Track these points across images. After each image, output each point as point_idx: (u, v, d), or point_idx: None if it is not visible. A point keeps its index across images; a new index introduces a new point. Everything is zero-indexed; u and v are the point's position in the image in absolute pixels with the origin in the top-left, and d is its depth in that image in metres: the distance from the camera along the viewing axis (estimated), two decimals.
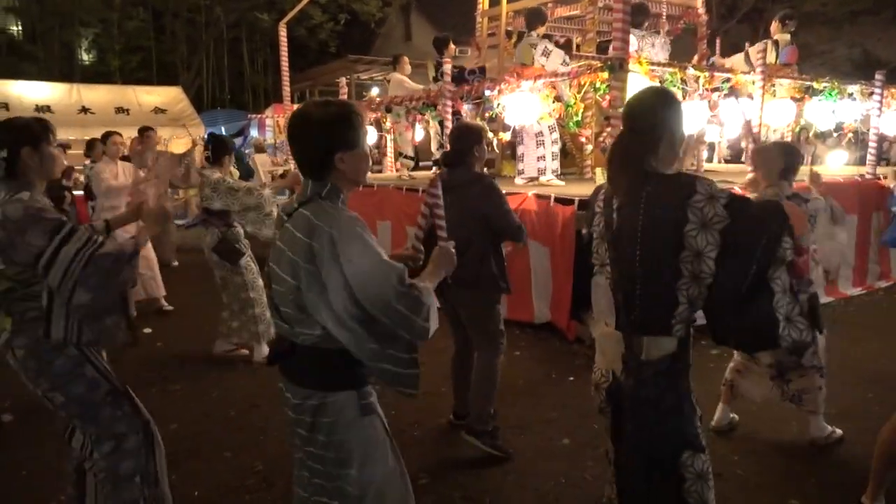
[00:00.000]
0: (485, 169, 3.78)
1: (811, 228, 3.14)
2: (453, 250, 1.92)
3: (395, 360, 1.72)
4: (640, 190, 1.88)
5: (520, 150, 6.33)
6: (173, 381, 4.36)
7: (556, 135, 6.15)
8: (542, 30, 6.38)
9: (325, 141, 1.71)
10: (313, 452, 1.82)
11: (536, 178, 6.18)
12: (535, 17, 6.46)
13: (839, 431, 3.34)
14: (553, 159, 6.16)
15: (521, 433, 3.53)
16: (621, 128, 2.06)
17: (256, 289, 4.60)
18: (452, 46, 7.38)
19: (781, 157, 3.17)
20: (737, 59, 7.27)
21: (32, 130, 2.25)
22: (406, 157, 7.76)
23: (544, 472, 3.11)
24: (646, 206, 1.85)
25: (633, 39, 6.04)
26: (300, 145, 1.76)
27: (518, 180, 6.30)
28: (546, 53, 6.15)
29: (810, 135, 8.36)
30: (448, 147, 3.50)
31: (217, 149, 4.61)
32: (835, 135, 8.74)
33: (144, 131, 7.00)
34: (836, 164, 8.40)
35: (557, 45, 6.68)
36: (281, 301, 1.76)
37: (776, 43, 7.18)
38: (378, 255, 1.67)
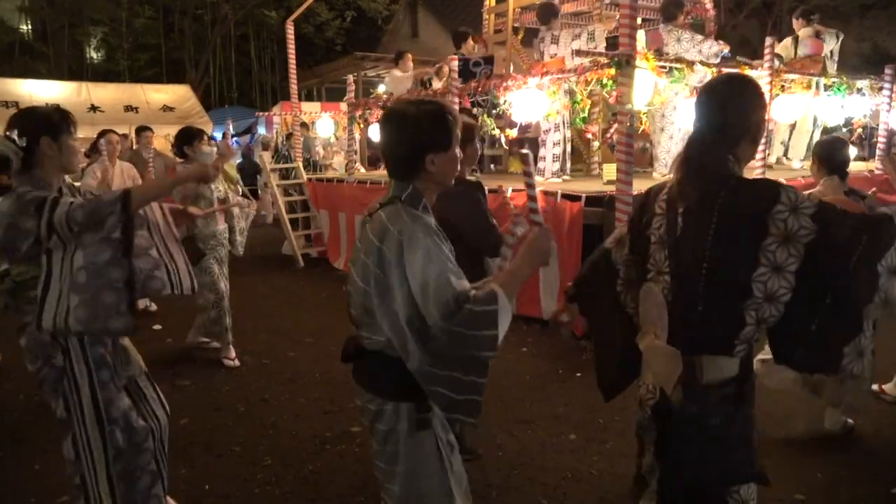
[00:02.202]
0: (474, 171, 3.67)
1: None
2: (551, 236, 1.72)
3: (452, 383, 1.57)
4: (714, 195, 1.67)
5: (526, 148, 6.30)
6: (183, 377, 4.40)
7: (558, 135, 6.03)
8: (554, 26, 6.28)
9: (417, 141, 1.66)
10: (375, 452, 1.81)
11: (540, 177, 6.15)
12: (546, 12, 6.34)
13: (851, 421, 3.33)
14: (554, 161, 6.09)
15: (527, 428, 3.54)
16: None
17: (217, 290, 4.56)
18: (471, 43, 7.34)
19: (833, 152, 3.13)
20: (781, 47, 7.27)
21: (52, 120, 2.19)
22: None
23: (551, 467, 3.13)
24: (720, 215, 1.64)
25: (661, 35, 6.03)
26: (390, 144, 1.70)
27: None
28: (555, 40, 6.10)
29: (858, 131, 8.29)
30: None
31: (178, 141, 4.53)
32: (844, 130, 8.68)
33: (142, 131, 6.95)
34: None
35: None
36: (352, 302, 1.74)
37: (796, 39, 7.18)
38: (440, 269, 1.55)
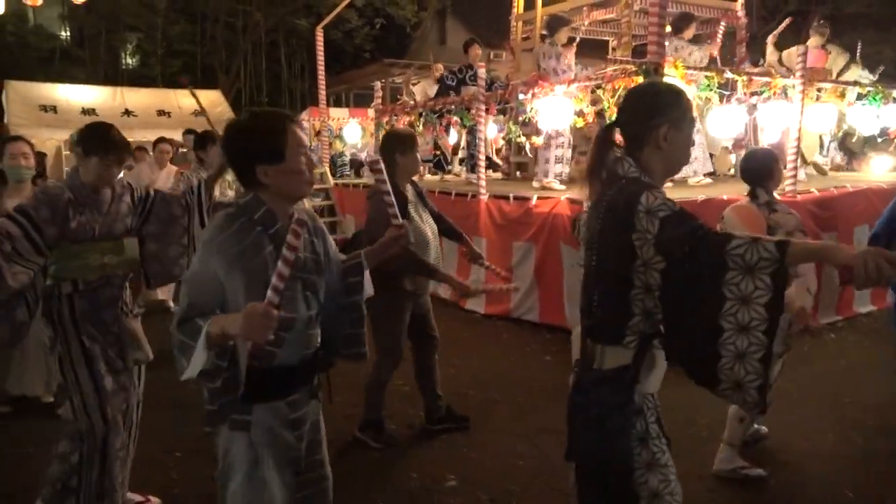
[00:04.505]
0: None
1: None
2: (403, 230, 1.91)
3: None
4: (605, 192, 1.76)
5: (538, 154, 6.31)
6: None
7: (562, 139, 6.06)
8: (563, 35, 6.28)
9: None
10: None
11: (540, 181, 6.16)
12: (555, 23, 6.37)
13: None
14: (556, 163, 6.08)
15: (549, 437, 3.51)
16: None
17: None
18: (477, 50, 7.42)
19: (760, 164, 3.11)
20: (785, 55, 7.18)
21: (85, 137, 2.50)
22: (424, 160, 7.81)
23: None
24: (605, 211, 1.73)
25: (673, 46, 6.01)
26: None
27: (534, 183, 6.30)
28: (549, 56, 6.16)
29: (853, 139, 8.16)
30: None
31: (195, 145, 4.82)
32: (879, 140, 8.50)
33: (158, 143, 7.13)
34: (880, 170, 8.18)
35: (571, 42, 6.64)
36: None
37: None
38: (191, 279, 1.70)
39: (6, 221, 2.30)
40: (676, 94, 1.80)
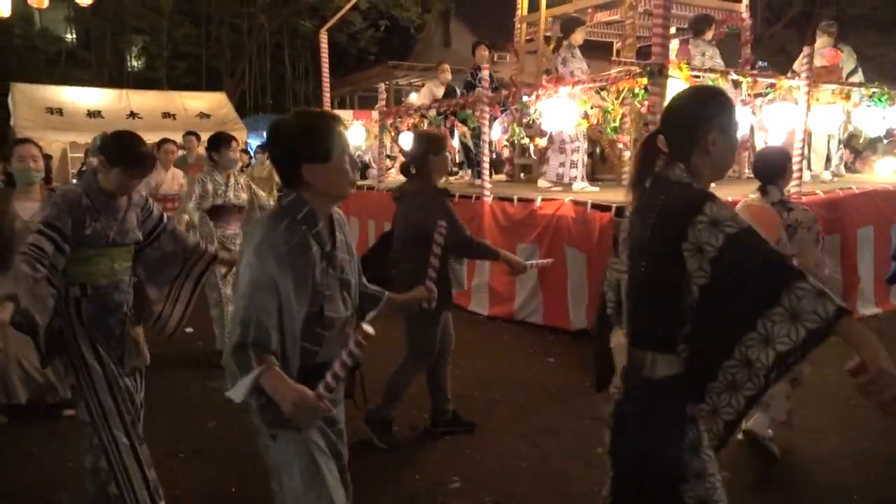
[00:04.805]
0: (448, 178, 3.77)
1: (788, 238, 3.03)
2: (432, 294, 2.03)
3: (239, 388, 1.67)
4: (657, 199, 1.72)
5: (547, 153, 6.33)
6: (212, 379, 4.45)
7: (577, 143, 6.07)
8: (578, 36, 6.29)
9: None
10: None
11: (558, 183, 6.15)
12: (571, 24, 6.36)
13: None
14: (572, 167, 6.10)
15: (552, 439, 3.51)
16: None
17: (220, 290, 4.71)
18: (484, 52, 7.44)
19: (774, 161, 3.11)
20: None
21: (110, 146, 2.50)
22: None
23: (576, 480, 3.09)
24: (657, 217, 1.69)
25: (689, 49, 6.01)
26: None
27: (541, 182, 6.29)
28: (564, 62, 6.15)
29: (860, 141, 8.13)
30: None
31: (208, 146, 4.76)
32: (885, 141, 8.47)
33: (163, 143, 7.13)
34: (886, 172, 8.15)
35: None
36: None
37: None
38: (251, 292, 1.66)
39: (40, 238, 2.27)
40: (723, 98, 1.80)
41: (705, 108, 1.75)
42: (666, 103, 1.85)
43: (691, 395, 1.69)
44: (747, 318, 1.52)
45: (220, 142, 4.68)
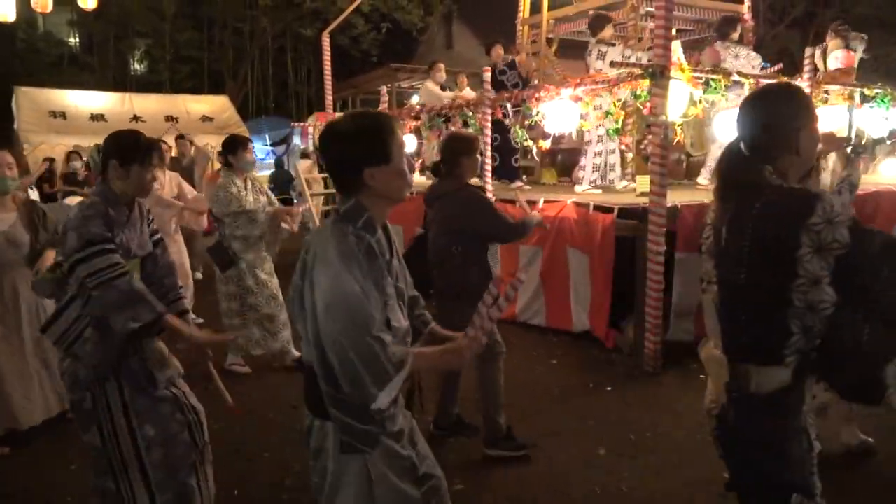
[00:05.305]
0: (477, 179, 3.74)
1: None
2: (472, 350, 1.71)
3: (349, 409, 1.58)
4: (749, 206, 1.66)
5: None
6: (216, 380, 4.45)
7: (600, 146, 5.95)
8: (606, 33, 6.11)
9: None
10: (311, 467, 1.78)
11: (595, 185, 6.04)
12: (597, 22, 6.18)
13: (870, 440, 3.28)
14: (594, 171, 6.00)
15: (555, 441, 3.51)
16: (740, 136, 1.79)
17: (247, 301, 4.55)
18: (500, 50, 7.33)
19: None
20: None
21: (124, 146, 2.33)
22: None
23: (579, 481, 3.09)
24: (755, 225, 1.64)
25: (718, 51, 5.98)
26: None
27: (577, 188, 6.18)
28: (601, 56, 5.98)
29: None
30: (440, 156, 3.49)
31: (223, 149, 4.63)
32: (888, 142, 8.44)
33: (179, 139, 7.14)
34: (890, 173, 8.12)
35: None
36: None
37: (824, 52, 7.03)
38: (349, 291, 1.54)
39: (112, 257, 2.19)
40: (803, 94, 1.79)
41: (791, 108, 1.72)
42: (741, 109, 1.79)
43: (800, 405, 1.67)
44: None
45: (236, 144, 4.57)
